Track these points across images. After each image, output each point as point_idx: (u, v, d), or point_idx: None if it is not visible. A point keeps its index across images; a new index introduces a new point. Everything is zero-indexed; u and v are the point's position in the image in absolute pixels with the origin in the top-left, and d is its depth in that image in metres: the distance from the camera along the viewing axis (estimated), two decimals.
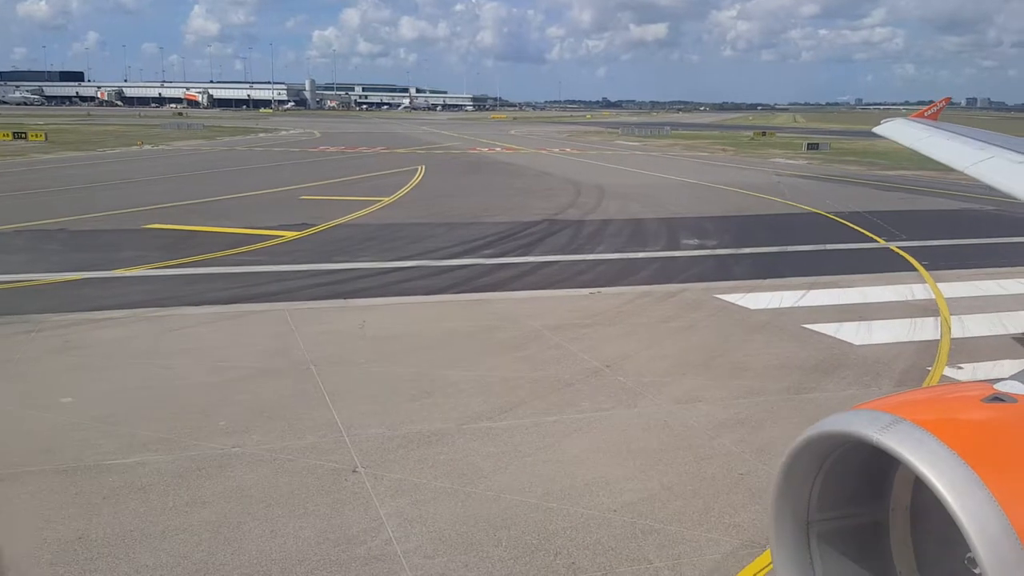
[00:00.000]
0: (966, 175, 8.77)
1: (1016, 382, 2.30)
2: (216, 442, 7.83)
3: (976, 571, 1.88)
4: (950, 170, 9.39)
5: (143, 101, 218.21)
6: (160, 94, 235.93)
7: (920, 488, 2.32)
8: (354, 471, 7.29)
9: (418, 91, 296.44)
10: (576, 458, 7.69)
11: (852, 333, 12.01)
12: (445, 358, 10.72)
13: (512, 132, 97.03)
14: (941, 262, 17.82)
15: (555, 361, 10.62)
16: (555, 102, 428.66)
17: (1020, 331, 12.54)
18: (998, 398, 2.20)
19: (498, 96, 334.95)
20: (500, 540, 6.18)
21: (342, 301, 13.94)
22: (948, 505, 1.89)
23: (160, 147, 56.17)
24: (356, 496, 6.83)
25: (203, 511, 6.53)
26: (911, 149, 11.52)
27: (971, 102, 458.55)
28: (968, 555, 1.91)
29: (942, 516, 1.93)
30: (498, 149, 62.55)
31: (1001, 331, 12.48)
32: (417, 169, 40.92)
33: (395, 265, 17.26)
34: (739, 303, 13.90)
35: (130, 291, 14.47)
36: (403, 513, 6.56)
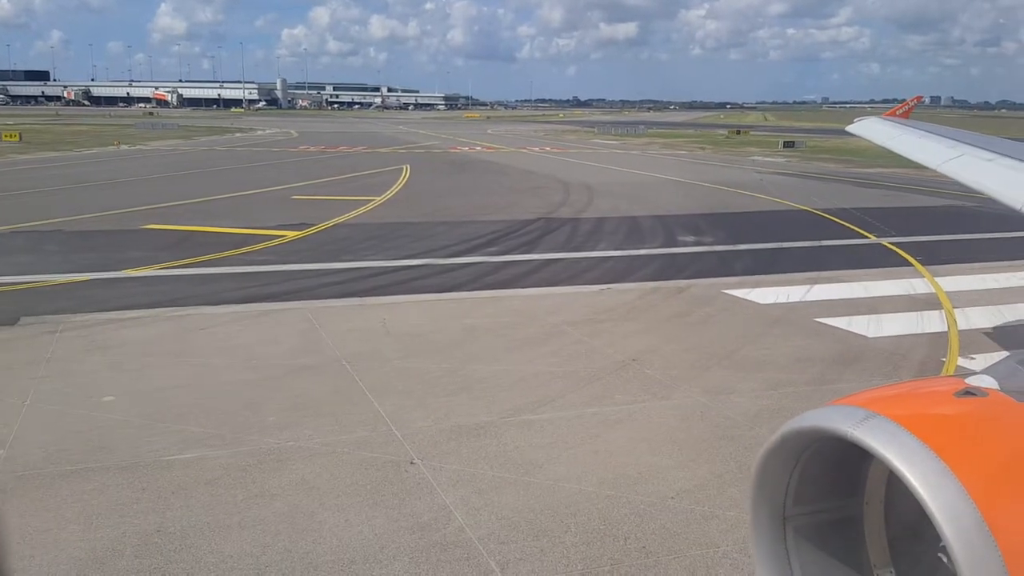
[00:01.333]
0: (938, 173, 9.04)
1: (987, 376, 2.38)
2: (270, 437, 7.96)
3: (949, 563, 1.93)
4: (924, 167, 9.60)
5: (111, 101, 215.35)
6: (128, 93, 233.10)
7: (894, 482, 2.35)
8: (411, 463, 7.46)
9: (390, 90, 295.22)
10: (622, 449, 7.91)
11: (864, 326, 12.37)
12: (472, 354, 10.90)
13: (489, 131, 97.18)
14: (934, 257, 18.31)
15: (582, 356, 10.84)
16: (526, 101, 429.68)
17: (1016, 321, 12.98)
18: (969, 392, 2.26)
19: (469, 95, 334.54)
20: (568, 526, 6.38)
21: (359, 299, 14.07)
22: (921, 499, 1.93)
23: (137, 147, 55.65)
24: (420, 486, 7.01)
25: (274, 503, 6.67)
26: (884, 147, 11.83)
27: (935, 100, 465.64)
28: (941, 547, 1.96)
29: (915, 510, 1.98)
30: (479, 148, 62.69)
31: (1003, 322, 12.92)
32: (402, 169, 40.98)
33: (402, 264, 17.39)
34: (748, 298, 14.23)
35: (143, 291, 14.47)
36: (469, 502, 6.75)
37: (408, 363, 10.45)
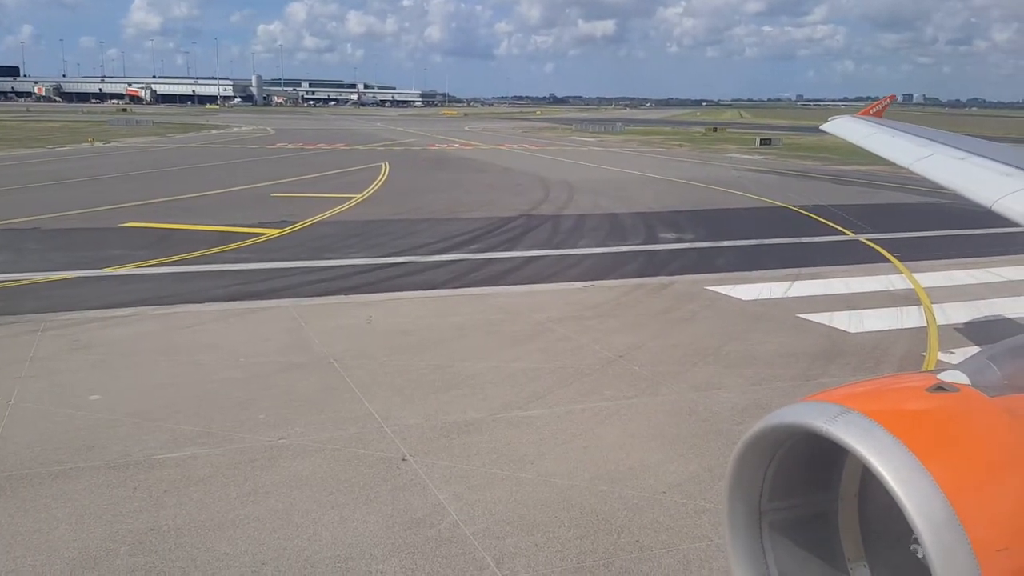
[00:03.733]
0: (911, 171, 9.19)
1: (959, 372, 2.47)
2: (261, 435, 7.94)
3: (921, 557, 1.96)
4: (898, 165, 9.73)
5: (83, 97, 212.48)
6: (100, 89, 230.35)
7: (868, 477, 2.40)
8: (404, 459, 7.47)
9: (366, 87, 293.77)
10: (613, 444, 7.97)
11: (845, 322, 12.53)
12: (460, 351, 10.92)
13: (466, 128, 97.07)
14: (911, 253, 18.56)
15: (568, 352, 10.89)
16: (503, 98, 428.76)
17: (992, 316, 13.19)
18: (942, 388, 2.31)
19: (446, 92, 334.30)
20: (562, 521, 6.43)
21: (344, 297, 14.04)
22: (894, 493, 1.97)
23: (112, 144, 55.07)
24: (412, 483, 7.03)
25: (268, 500, 6.66)
26: (858, 146, 12.00)
27: (907, 98, 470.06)
28: (914, 541, 1.99)
29: (889, 504, 2.02)
30: (456, 145, 62.64)
31: (979, 317, 13.14)
32: (381, 166, 40.88)
33: (385, 261, 17.37)
34: (730, 294, 14.35)
35: (126, 289, 14.36)
36: (462, 498, 6.78)
37: (395, 360, 10.45)
